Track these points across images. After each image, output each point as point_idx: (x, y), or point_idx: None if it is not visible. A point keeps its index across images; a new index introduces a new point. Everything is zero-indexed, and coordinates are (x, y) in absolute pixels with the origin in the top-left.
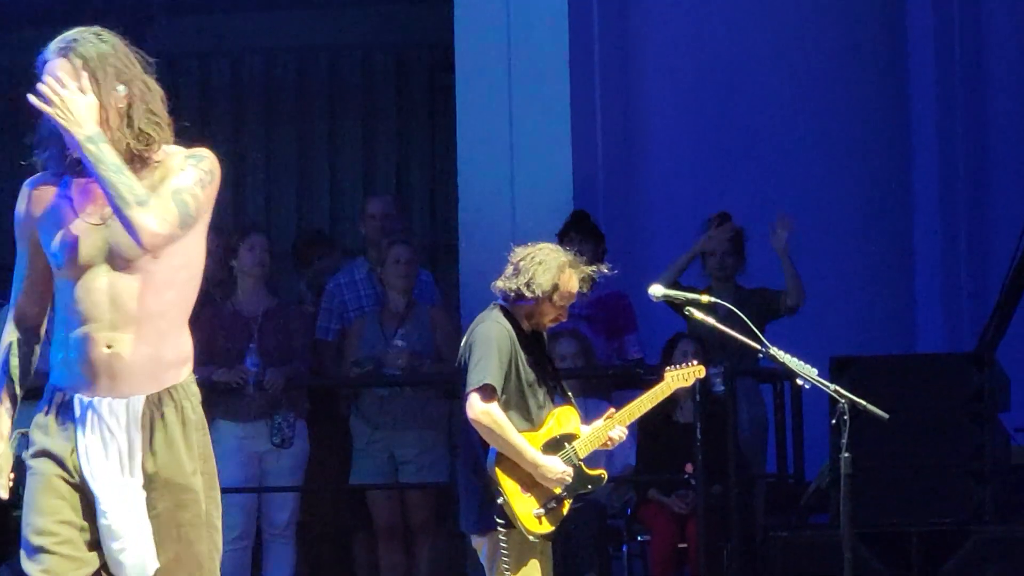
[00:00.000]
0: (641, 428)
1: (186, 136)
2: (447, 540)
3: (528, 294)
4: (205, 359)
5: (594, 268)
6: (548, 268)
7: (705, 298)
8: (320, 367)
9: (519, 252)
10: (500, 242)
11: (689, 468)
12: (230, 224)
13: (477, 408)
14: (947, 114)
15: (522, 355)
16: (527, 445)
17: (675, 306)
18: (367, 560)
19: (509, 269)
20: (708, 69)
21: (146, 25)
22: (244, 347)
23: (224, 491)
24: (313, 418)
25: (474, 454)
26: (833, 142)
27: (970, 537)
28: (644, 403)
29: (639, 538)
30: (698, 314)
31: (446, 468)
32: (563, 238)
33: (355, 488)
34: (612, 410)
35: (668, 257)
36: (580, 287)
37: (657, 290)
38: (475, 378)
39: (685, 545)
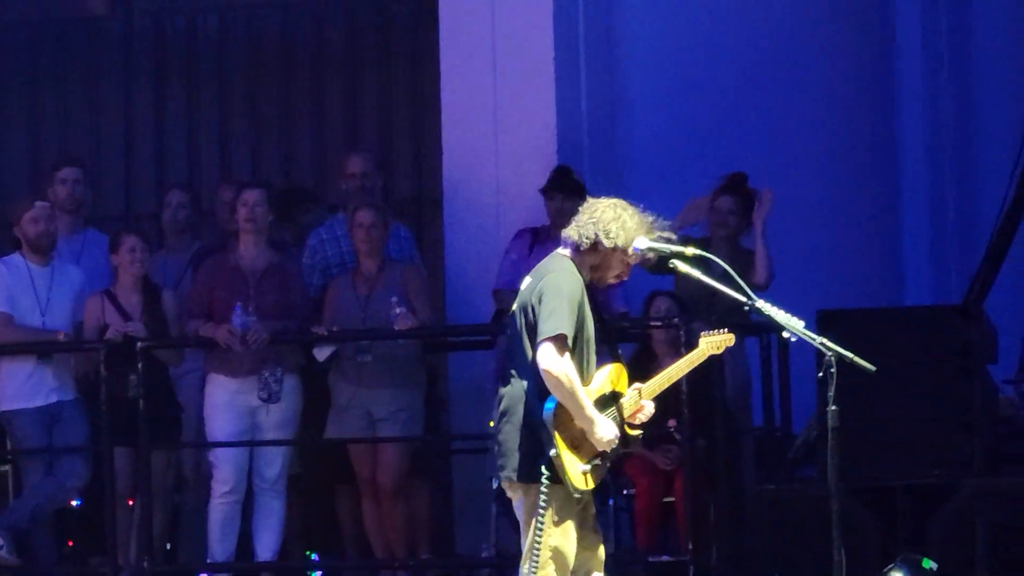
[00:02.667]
0: None
1: (172, 88)
2: (433, 495)
3: (606, 242)
4: (203, 311)
5: (664, 236)
6: (628, 222)
7: (690, 250)
8: (306, 321)
9: (596, 202)
10: (484, 196)
11: (672, 423)
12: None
13: (549, 358)
14: (934, 66)
15: (588, 309)
16: (589, 402)
17: (659, 265)
18: (352, 514)
19: (584, 216)
20: (693, 24)
21: None
22: (242, 302)
23: (216, 445)
24: (305, 373)
25: (527, 403)
26: (819, 97)
27: (958, 489)
28: (679, 370)
29: (624, 492)
30: (683, 267)
31: (421, 426)
32: (547, 193)
33: (338, 443)
34: (638, 384)
35: (651, 211)
36: (645, 254)
37: (642, 242)
38: (549, 327)
39: (671, 499)
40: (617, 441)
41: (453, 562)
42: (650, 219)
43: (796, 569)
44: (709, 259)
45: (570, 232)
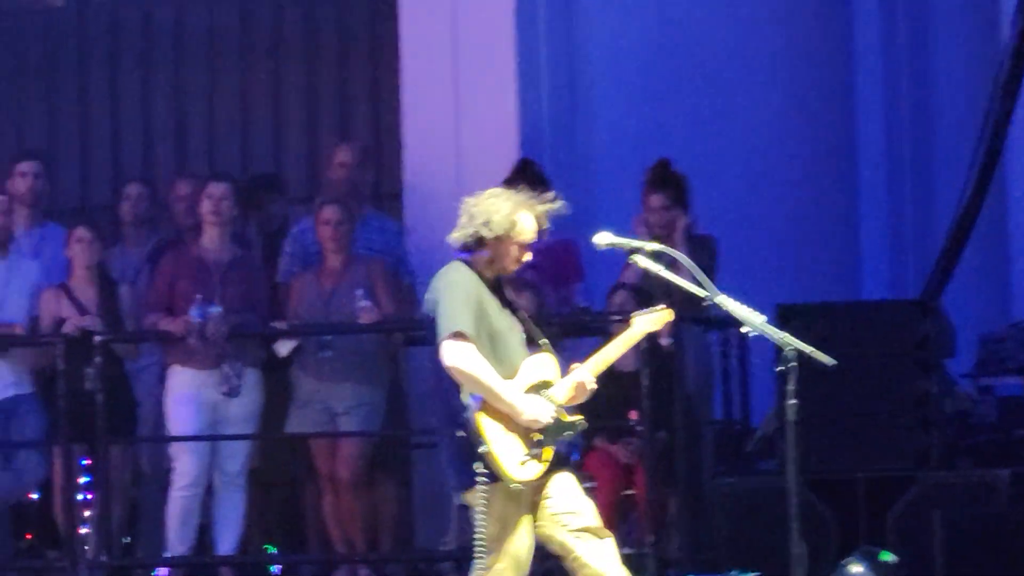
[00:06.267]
0: None
1: (128, 80)
2: (394, 489)
3: (488, 234)
4: (164, 303)
5: (548, 205)
6: (502, 207)
7: (652, 245)
8: (280, 311)
9: (470, 200)
10: (445, 190)
11: (634, 415)
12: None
13: (451, 354)
14: (892, 59)
15: (491, 302)
16: (503, 384)
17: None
18: (313, 508)
19: (463, 218)
20: (653, 16)
21: None
22: (205, 295)
23: (177, 439)
24: (267, 367)
25: (450, 407)
26: (777, 89)
27: (916, 482)
28: (614, 350)
29: (585, 485)
30: (644, 262)
31: (381, 420)
32: (509, 186)
33: (297, 437)
34: (576, 364)
35: (613, 204)
36: (538, 225)
37: (603, 238)
38: (445, 326)
39: (632, 492)
40: (547, 415)
41: (414, 556)
42: (534, 200)
43: (756, 561)
44: (668, 254)
45: (455, 236)
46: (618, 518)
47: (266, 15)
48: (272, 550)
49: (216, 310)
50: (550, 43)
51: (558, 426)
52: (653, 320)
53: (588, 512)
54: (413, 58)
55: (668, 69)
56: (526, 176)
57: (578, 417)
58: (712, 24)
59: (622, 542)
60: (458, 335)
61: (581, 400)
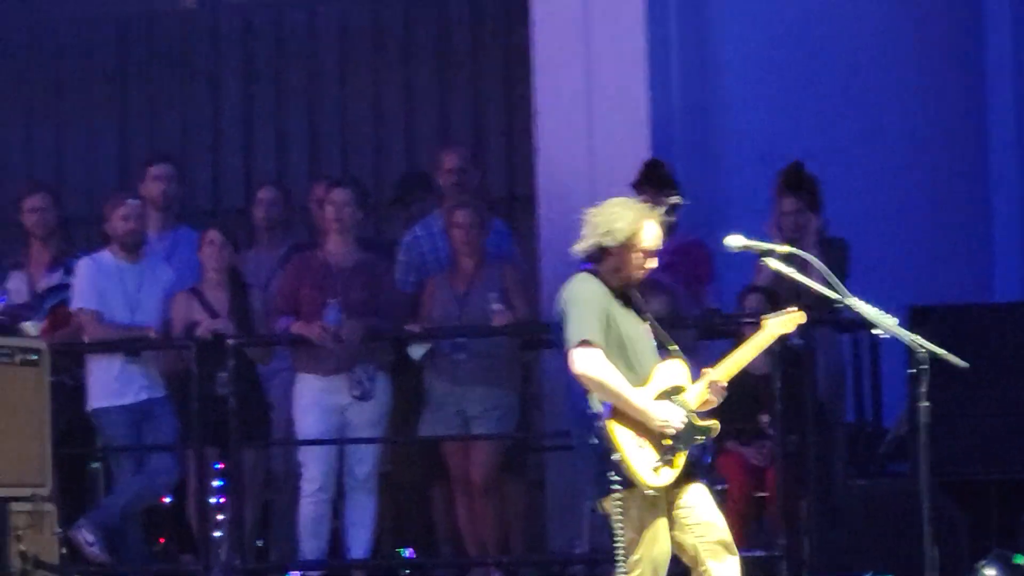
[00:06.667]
0: None
1: (261, 83)
2: (526, 493)
3: (610, 243)
4: (290, 308)
5: (670, 205)
6: (624, 216)
7: (784, 248)
8: (397, 319)
9: (593, 210)
10: (577, 192)
11: (766, 418)
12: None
13: (581, 362)
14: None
15: (617, 310)
16: (633, 390)
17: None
18: (446, 511)
19: (586, 229)
20: (785, 15)
21: None
22: (329, 299)
23: (306, 443)
24: (396, 371)
25: (584, 418)
26: (908, 88)
27: None
28: (745, 354)
29: (717, 487)
30: (775, 264)
31: (514, 423)
32: (638, 188)
33: (429, 440)
34: (707, 369)
35: (744, 205)
36: (658, 232)
37: (735, 241)
38: (573, 335)
39: (763, 494)
40: (677, 421)
41: (546, 559)
42: (654, 209)
43: (888, 565)
44: (800, 256)
45: (579, 247)
46: (750, 520)
47: (398, 19)
48: (404, 553)
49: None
50: (681, 45)
51: (690, 431)
52: (785, 322)
53: (722, 526)
54: (545, 61)
55: (798, 70)
56: (654, 177)
57: (710, 421)
58: (841, 24)
59: (753, 544)
60: (585, 343)
61: (713, 405)
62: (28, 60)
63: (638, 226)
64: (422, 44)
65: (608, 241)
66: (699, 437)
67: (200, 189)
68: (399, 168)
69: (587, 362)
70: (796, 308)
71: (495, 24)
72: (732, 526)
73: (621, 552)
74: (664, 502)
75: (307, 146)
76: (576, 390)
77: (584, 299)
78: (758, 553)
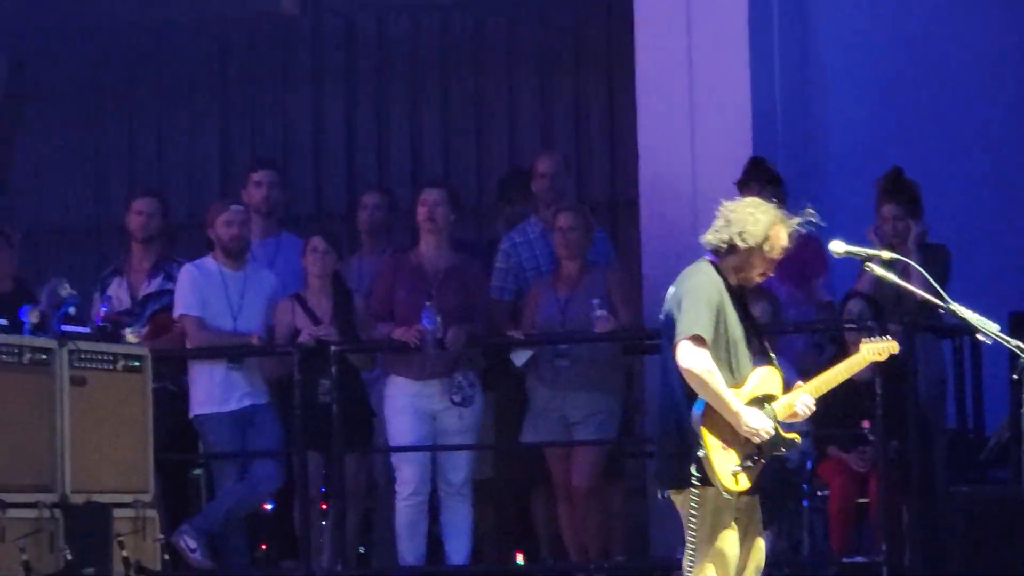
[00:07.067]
0: None
1: (363, 88)
2: (627, 498)
3: (740, 244)
4: (385, 311)
5: (800, 220)
6: (760, 219)
7: (886, 254)
8: (494, 326)
9: (729, 205)
10: (680, 197)
11: (866, 424)
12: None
13: (688, 356)
14: None
15: (731, 310)
16: (732, 395)
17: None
18: (545, 516)
19: (719, 221)
20: (887, 18)
21: None
22: (424, 303)
23: (407, 449)
24: (487, 376)
25: (676, 408)
26: (1007, 93)
27: None
28: (838, 374)
29: (819, 493)
30: (878, 270)
31: (616, 429)
32: (742, 186)
33: (529, 446)
34: (800, 383)
35: (848, 202)
36: (787, 241)
37: (838, 246)
38: (685, 327)
39: (865, 500)
40: (768, 431)
41: (648, 564)
42: (784, 212)
43: (989, 571)
44: (902, 261)
45: (708, 238)
46: (851, 527)
47: (501, 23)
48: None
49: (439, 319)
50: (782, 48)
51: (773, 442)
52: (880, 350)
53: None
54: (648, 65)
55: (899, 73)
56: (758, 174)
57: (793, 435)
58: (943, 27)
59: (854, 550)
60: (695, 338)
61: (798, 419)
62: (131, 66)
63: (772, 232)
64: (525, 48)
65: (739, 240)
66: (781, 449)
67: (302, 194)
68: (500, 172)
69: (694, 357)
70: (890, 337)
71: (597, 29)
72: (834, 532)
73: (692, 547)
74: (734, 508)
75: (409, 151)
76: (672, 378)
77: (703, 292)
78: (859, 559)
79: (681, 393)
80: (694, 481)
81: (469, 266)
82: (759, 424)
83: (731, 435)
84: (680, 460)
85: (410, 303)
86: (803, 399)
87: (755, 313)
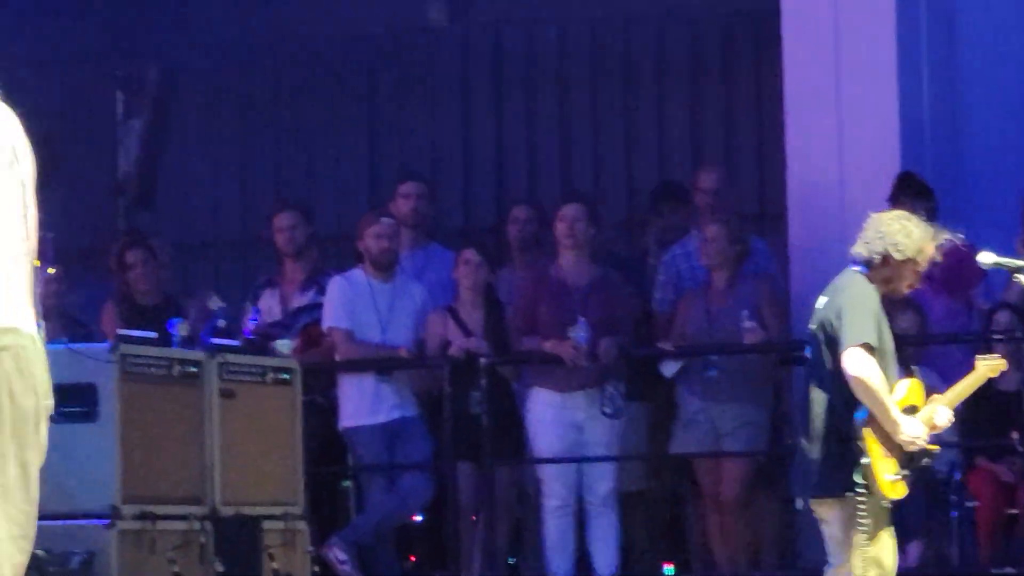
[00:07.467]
0: None
1: (512, 101)
2: (777, 509)
3: (896, 255)
4: (527, 326)
5: (948, 236)
6: (914, 232)
7: None
8: (653, 338)
9: (880, 217)
10: (828, 210)
11: (1015, 435)
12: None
13: (858, 364)
14: None
15: (885, 321)
16: (895, 405)
17: None
18: (697, 528)
19: (871, 233)
20: None
21: None
22: (567, 317)
23: (554, 460)
24: (642, 387)
25: (832, 416)
26: None
27: None
28: (962, 389)
29: (967, 504)
30: None
31: (764, 439)
32: (894, 202)
33: (676, 457)
34: (936, 395)
35: (997, 215)
36: (936, 254)
37: (986, 257)
38: (855, 335)
39: (1014, 511)
40: (925, 442)
41: (797, 575)
42: (934, 227)
43: None
44: None
45: (860, 248)
46: (1001, 537)
47: (650, 38)
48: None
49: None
50: (931, 62)
51: (921, 451)
52: (991, 367)
53: None
54: (796, 78)
55: None
56: (910, 189)
57: (934, 445)
58: None
59: (1003, 562)
60: (866, 346)
61: (937, 431)
62: (278, 78)
63: (924, 245)
64: (673, 61)
65: (894, 252)
66: (926, 460)
67: (451, 207)
68: (649, 187)
69: (864, 365)
70: (1001, 356)
71: (745, 42)
72: (982, 543)
73: (860, 551)
74: (889, 517)
75: (558, 165)
76: (830, 386)
77: (867, 302)
78: (1008, 571)
79: (840, 401)
80: (858, 489)
81: (612, 279)
82: (916, 433)
83: (890, 444)
84: (836, 468)
85: (554, 317)
86: (941, 411)
87: (903, 324)
